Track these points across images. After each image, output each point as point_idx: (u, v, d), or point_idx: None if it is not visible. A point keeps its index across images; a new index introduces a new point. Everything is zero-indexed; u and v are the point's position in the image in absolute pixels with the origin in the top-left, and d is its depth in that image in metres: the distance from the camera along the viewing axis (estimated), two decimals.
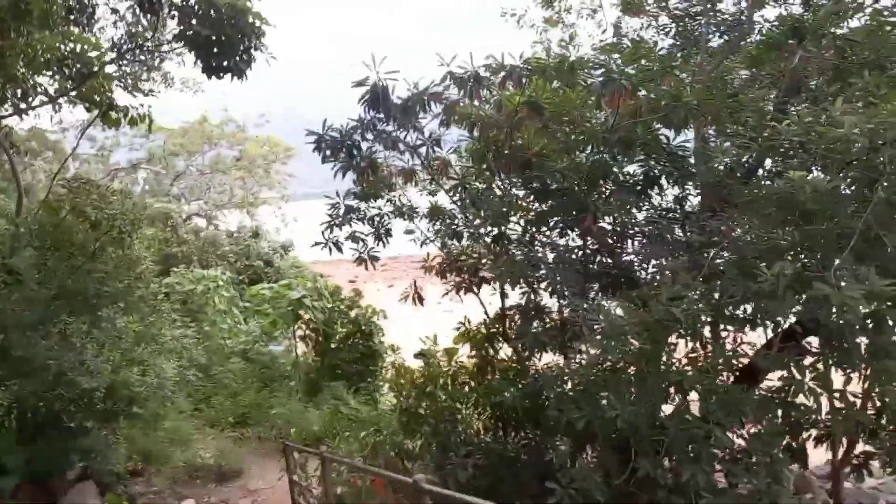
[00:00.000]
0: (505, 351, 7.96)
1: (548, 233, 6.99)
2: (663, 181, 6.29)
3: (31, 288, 6.55)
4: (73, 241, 7.34)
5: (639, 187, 6.29)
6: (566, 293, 5.62)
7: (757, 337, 4.95)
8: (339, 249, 6.89)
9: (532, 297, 6.54)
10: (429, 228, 8.20)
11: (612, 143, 5.93)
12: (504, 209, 6.70)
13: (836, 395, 4.11)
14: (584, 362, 6.01)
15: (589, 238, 6.43)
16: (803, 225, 3.98)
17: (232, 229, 25.73)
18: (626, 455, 4.57)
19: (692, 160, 6.17)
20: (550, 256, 6.49)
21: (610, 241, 6.63)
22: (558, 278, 5.75)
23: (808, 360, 4.33)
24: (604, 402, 4.26)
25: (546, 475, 6.61)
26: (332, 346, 12.96)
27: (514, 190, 6.91)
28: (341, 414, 11.04)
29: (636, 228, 6.35)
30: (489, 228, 6.69)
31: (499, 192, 6.76)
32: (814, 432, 4.74)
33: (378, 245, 7.48)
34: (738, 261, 4.42)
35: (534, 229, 7.01)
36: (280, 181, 31.64)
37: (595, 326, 5.10)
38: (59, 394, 6.57)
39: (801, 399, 4.25)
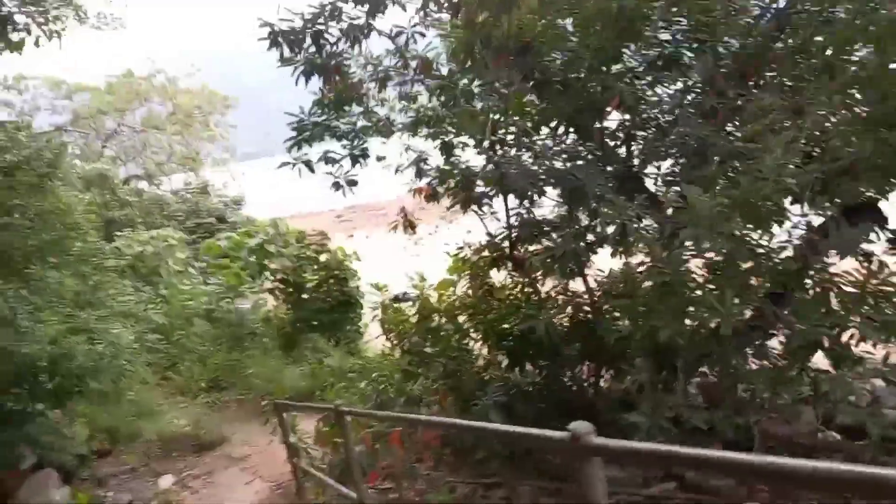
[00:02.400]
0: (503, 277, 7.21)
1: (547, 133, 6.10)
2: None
3: None
4: None
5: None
6: (597, 195, 4.73)
7: None
8: (311, 169, 5.84)
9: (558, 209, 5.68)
10: (408, 148, 7.22)
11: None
12: (500, 108, 5.73)
13: None
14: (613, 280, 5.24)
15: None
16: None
17: (177, 188, 23.95)
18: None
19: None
20: (557, 162, 5.58)
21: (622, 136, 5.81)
22: (581, 180, 4.84)
23: None
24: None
25: (573, 407, 5.95)
26: (304, 296, 11.94)
27: (508, 85, 5.90)
28: (325, 367, 10.15)
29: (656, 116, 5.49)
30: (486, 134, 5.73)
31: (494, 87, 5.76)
32: None
33: (355, 168, 6.49)
34: None
35: (532, 131, 6.10)
36: (221, 134, 29.72)
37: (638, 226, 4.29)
38: None
39: None
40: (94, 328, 6.53)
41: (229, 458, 8.55)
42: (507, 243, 6.33)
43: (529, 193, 5.43)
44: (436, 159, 6.55)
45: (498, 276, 7.05)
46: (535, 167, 5.29)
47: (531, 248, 6.68)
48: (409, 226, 7.03)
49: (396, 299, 8.01)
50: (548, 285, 6.68)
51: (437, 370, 5.73)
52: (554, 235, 5.56)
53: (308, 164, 5.75)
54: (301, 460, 5.72)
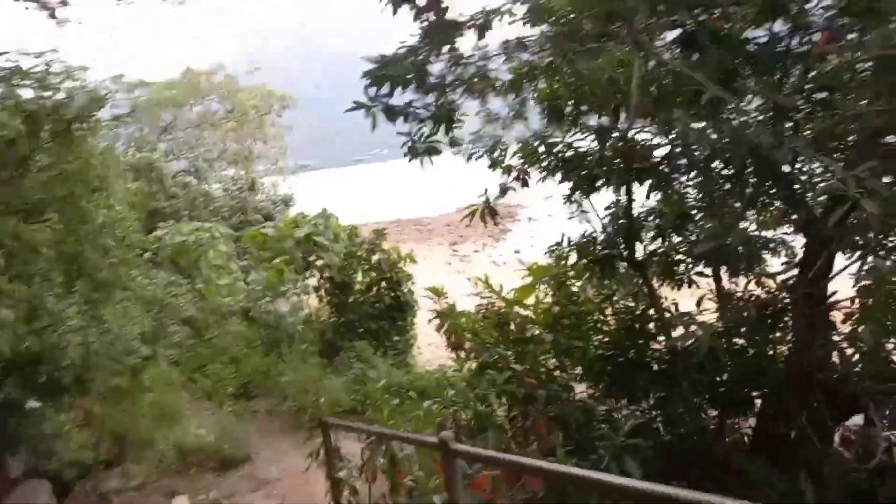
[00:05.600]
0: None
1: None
2: None
3: None
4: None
5: None
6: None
7: None
8: (391, 116, 4.52)
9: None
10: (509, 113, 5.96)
11: None
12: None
13: None
14: None
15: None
16: None
17: (225, 184, 23.27)
18: None
19: None
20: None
21: None
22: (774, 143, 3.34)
23: None
24: None
25: (688, 451, 4.46)
26: (351, 298, 10.65)
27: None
28: (371, 379, 8.79)
29: None
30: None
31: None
32: None
33: (439, 133, 5.21)
34: None
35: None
36: (275, 135, 29.22)
37: None
38: None
39: None
40: (103, 314, 5.34)
41: (255, 480, 7.24)
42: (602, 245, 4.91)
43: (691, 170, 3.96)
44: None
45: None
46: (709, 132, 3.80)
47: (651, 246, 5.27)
48: (490, 214, 5.69)
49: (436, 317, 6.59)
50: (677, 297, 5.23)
51: (536, 395, 4.28)
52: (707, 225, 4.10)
53: (389, 109, 4.43)
54: (348, 501, 4.32)
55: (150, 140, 26.19)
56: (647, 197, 4.98)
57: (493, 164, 5.72)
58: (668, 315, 4.90)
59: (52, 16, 7.42)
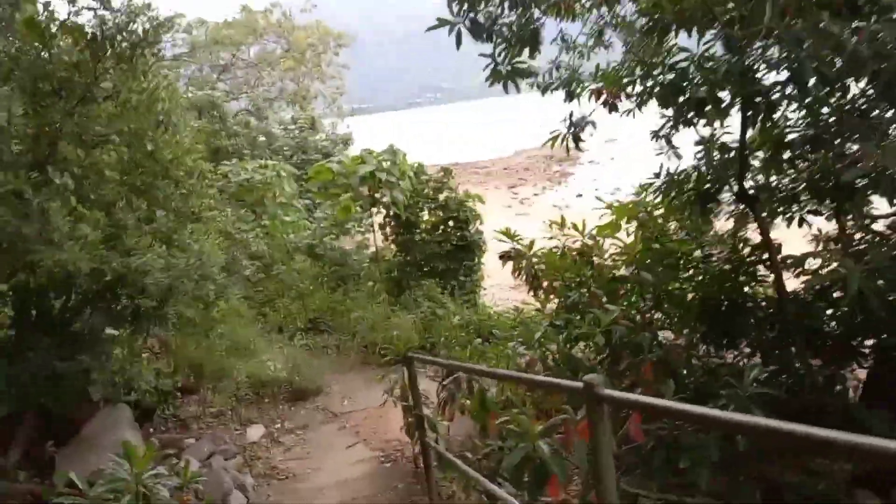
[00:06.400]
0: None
1: None
2: None
3: None
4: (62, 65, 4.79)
5: None
6: None
7: None
8: (477, 33, 4.10)
9: None
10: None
11: None
12: None
13: None
14: None
15: None
16: None
17: (285, 123, 23.19)
18: None
19: None
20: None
21: None
22: None
23: None
24: None
25: (819, 402, 4.07)
26: (418, 237, 10.41)
27: None
28: (439, 318, 8.61)
29: None
30: None
31: None
32: None
33: (524, 54, 4.76)
34: None
35: None
36: (333, 74, 28.86)
37: None
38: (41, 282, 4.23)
39: None
40: (177, 239, 5.23)
41: (327, 413, 7.24)
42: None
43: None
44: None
45: None
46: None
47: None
48: (576, 140, 5.18)
49: (503, 257, 6.16)
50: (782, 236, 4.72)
51: (638, 338, 3.92)
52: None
53: (475, 24, 4.00)
54: (431, 439, 4.14)
55: (210, 79, 26.27)
56: (752, 126, 4.41)
57: (571, 96, 5.22)
58: (785, 255, 4.40)
59: None
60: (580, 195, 28.06)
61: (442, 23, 4.07)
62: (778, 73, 3.85)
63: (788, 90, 3.69)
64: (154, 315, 5.38)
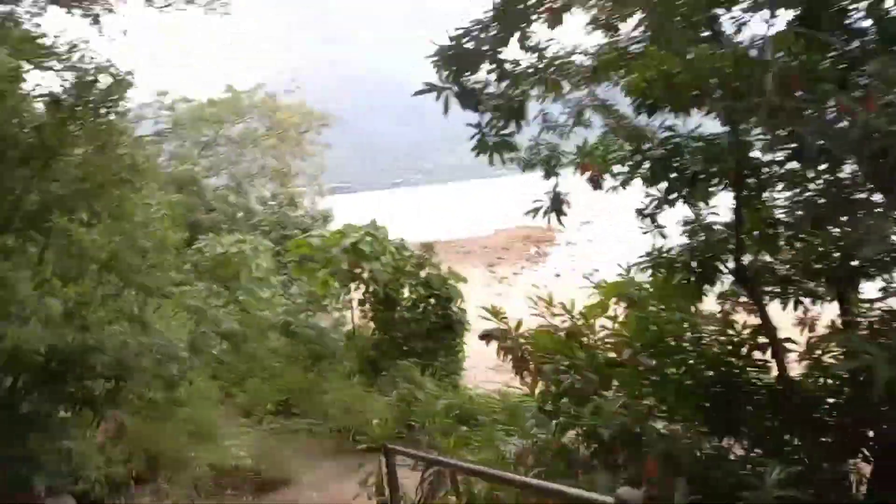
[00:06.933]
0: None
1: None
2: None
3: None
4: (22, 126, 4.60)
5: None
6: None
7: None
8: (467, 102, 4.00)
9: None
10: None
11: None
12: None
13: None
14: None
15: None
16: None
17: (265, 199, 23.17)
18: None
19: None
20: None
21: None
22: None
23: None
24: None
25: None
26: (397, 314, 10.08)
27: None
28: (419, 401, 8.15)
29: None
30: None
31: None
32: None
33: (510, 126, 4.68)
34: None
35: None
36: (314, 152, 29.24)
37: None
38: None
39: None
40: (141, 317, 4.85)
41: None
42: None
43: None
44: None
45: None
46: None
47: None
48: (558, 212, 5.02)
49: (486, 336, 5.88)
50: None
51: (642, 429, 3.61)
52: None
53: (463, 91, 3.91)
54: None
55: (192, 155, 26.38)
56: (739, 203, 4.31)
57: (548, 174, 5.13)
58: (787, 339, 4.17)
59: (95, 21, 7.13)
60: (558, 275, 28.14)
61: (430, 88, 3.97)
62: (773, 151, 3.79)
63: (785, 167, 3.60)
64: (109, 397, 4.93)
